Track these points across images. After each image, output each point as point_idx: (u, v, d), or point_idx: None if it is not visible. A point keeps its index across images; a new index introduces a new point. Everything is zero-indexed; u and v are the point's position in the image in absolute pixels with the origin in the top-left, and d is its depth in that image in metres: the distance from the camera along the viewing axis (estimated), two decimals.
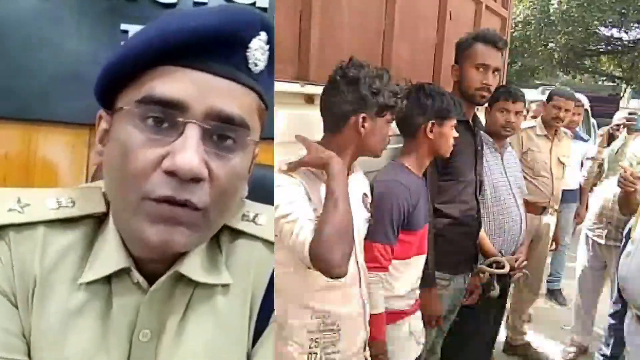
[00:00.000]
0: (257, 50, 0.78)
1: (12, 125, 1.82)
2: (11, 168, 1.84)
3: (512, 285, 3.08)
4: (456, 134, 1.64)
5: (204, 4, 1.78)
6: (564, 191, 3.36)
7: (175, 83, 0.73)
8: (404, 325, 1.62)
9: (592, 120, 6.17)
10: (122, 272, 0.81)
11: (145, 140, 0.73)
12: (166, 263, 0.81)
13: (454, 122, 1.62)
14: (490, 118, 2.27)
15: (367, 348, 1.45)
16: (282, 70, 1.43)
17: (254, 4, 1.77)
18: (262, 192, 0.95)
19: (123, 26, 1.67)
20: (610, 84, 16.86)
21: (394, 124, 1.51)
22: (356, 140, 1.32)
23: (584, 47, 14.24)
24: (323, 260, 1.11)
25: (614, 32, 14.48)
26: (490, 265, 2.14)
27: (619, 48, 14.73)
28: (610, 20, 13.17)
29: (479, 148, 1.95)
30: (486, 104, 2.28)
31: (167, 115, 0.73)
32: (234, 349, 0.83)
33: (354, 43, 1.69)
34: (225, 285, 0.85)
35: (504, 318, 3.15)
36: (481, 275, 2.12)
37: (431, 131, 1.59)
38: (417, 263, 1.64)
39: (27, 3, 1.78)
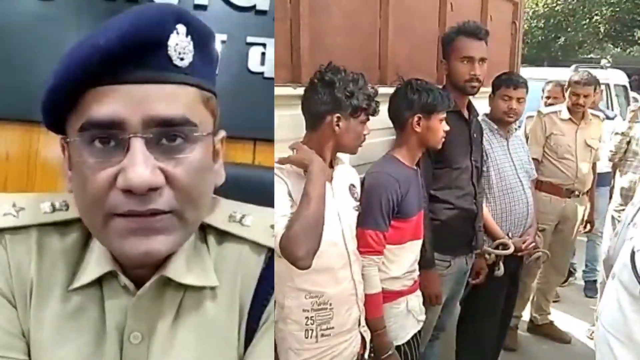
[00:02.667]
0: (179, 45, 0.77)
1: (13, 126, 1.84)
2: (12, 169, 1.86)
3: (540, 266, 3.15)
4: (447, 127, 1.75)
5: (204, 6, 1.84)
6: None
7: (106, 103, 0.74)
8: (402, 304, 1.74)
9: (633, 94, 5.99)
10: (111, 276, 0.84)
11: (96, 164, 0.75)
12: (152, 267, 0.83)
13: (441, 115, 1.72)
14: (493, 105, 2.34)
15: (364, 324, 1.59)
16: (277, 74, 1.58)
17: (253, 7, 1.85)
18: (261, 193, 0.98)
19: None
20: None
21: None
22: (332, 138, 1.46)
23: (632, 18, 13.61)
24: (289, 253, 1.25)
25: None
26: (496, 247, 2.24)
27: None
28: None
29: (475, 135, 2.03)
30: (490, 92, 2.37)
31: (110, 135, 0.75)
32: (224, 352, 0.85)
33: (347, 44, 1.81)
34: (214, 289, 0.86)
35: (530, 298, 3.22)
36: (487, 256, 2.23)
37: (418, 124, 1.70)
38: (413, 247, 1.76)
39: (28, 4, 1.80)
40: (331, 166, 1.50)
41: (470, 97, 2.04)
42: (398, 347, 1.72)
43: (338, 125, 1.44)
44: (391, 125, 1.81)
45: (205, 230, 0.88)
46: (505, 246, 2.23)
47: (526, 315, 3.24)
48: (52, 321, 0.83)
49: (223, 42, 1.88)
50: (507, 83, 2.27)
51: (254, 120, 1.43)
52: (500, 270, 2.22)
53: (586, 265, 3.90)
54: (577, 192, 2.97)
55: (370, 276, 1.62)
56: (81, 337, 0.83)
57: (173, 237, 0.78)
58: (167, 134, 0.76)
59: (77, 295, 0.83)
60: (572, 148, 2.90)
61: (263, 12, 1.87)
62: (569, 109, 2.94)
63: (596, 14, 13.04)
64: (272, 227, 0.90)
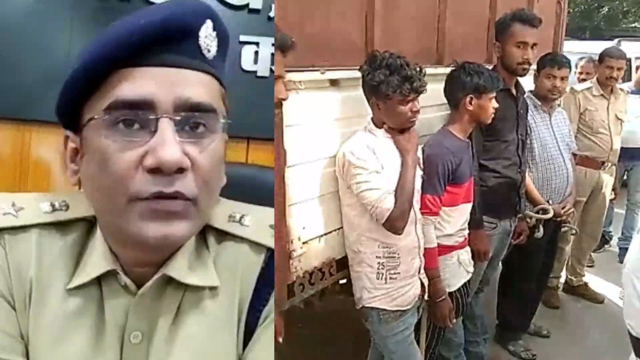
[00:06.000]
0: (207, 37, 0.80)
1: (5, 125, 1.84)
2: (4, 168, 1.87)
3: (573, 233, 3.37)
4: (496, 105, 1.99)
5: None
6: (634, 149, 3.56)
7: (139, 83, 0.74)
8: (454, 257, 2.03)
9: None
10: (111, 275, 0.82)
11: (121, 144, 0.73)
12: (153, 266, 0.82)
13: (491, 95, 1.96)
14: (538, 83, 2.56)
15: (423, 272, 1.89)
16: (353, 60, 1.83)
17: (246, 5, 1.91)
18: (262, 192, 1.01)
19: None
20: None
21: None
22: (380, 116, 1.74)
23: None
24: (394, 227, 1.68)
25: None
26: (537, 212, 2.50)
27: None
28: None
29: (521, 111, 2.27)
30: (534, 71, 2.58)
31: (137, 116, 0.74)
32: (223, 351, 0.84)
33: (411, 31, 2.06)
34: (213, 288, 0.85)
35: (565, 261, 3.45)
36: (528, 220, 2.49)
37: (470, 103, 1.95)
38: (464, 209, 2.04)
39: (20, 3, 1.80)
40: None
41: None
42: (450, 294, 2.01)
43: (379, 108, 1.71)
44: (445, 102, 2.06)
45: (204, 230, 0.88)
46: (545, 211, 2.48)
47: (563, 277, 3.49)
48: (52, 321, 0.82)
49: None
50: (551, 63, 2.48)
51: (247, 119, 1.42)
52: (540, 232, 2.48)
53: (622, 233, 4.10)
54: (609, 164, 3.18)
55: (427, 233, 1.90)
56: (81, 337, 0.82)
57: (191, 225, 0.78)
58: (192, 119, 0.77)
59: (77, 295, 0.82)
60: (605, 122, 3.10)
61: (256, 11, 1.93)
62: (599, 84, 3.11)
63: None
64: (272, 226, 0.89)
